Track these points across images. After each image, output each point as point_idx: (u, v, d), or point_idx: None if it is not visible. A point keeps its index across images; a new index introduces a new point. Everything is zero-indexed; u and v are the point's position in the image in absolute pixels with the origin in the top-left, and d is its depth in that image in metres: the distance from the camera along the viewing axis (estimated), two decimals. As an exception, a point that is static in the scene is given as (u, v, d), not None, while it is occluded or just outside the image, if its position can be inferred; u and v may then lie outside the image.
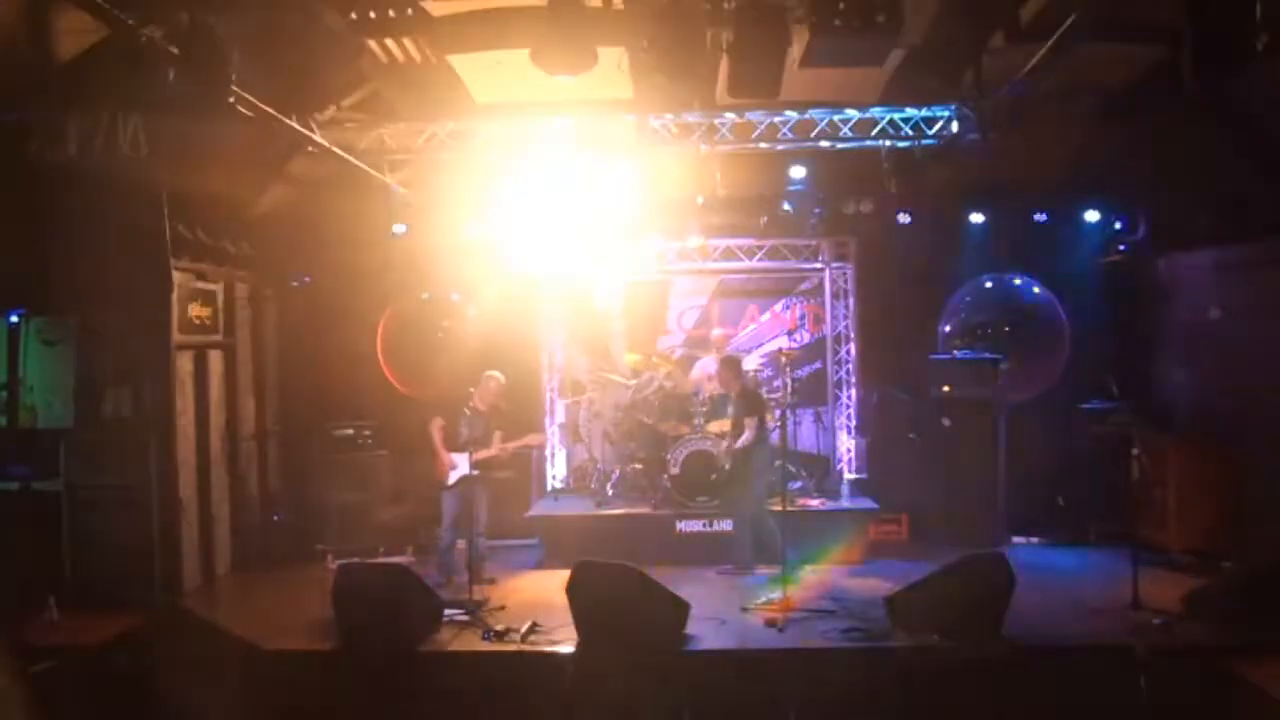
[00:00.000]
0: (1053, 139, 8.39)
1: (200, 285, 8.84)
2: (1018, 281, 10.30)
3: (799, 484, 9.74)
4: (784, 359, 9.82)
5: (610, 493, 9.86)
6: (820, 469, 10.38)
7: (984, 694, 6.02)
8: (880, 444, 10.37)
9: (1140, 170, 8.75)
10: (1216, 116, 7.36)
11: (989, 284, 10.38)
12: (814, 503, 9.41)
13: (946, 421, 9.63)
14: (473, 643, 6.78)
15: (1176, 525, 8.50)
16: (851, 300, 10.79)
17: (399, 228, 9.60)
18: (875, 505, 9.41)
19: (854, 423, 10.72)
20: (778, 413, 8.83)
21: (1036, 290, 10.24)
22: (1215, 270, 8.96)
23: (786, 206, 9.68)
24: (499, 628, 6.88)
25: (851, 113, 7.94)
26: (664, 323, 11.18)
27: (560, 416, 11.08)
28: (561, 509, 9.79)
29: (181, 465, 8.34)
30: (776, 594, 7.43)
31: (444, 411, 8.44)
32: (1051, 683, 6.09)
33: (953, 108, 7.70)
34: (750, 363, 10.55)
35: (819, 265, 10.87)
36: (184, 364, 8.55)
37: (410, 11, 6.17)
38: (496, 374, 8.52)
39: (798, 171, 9.17)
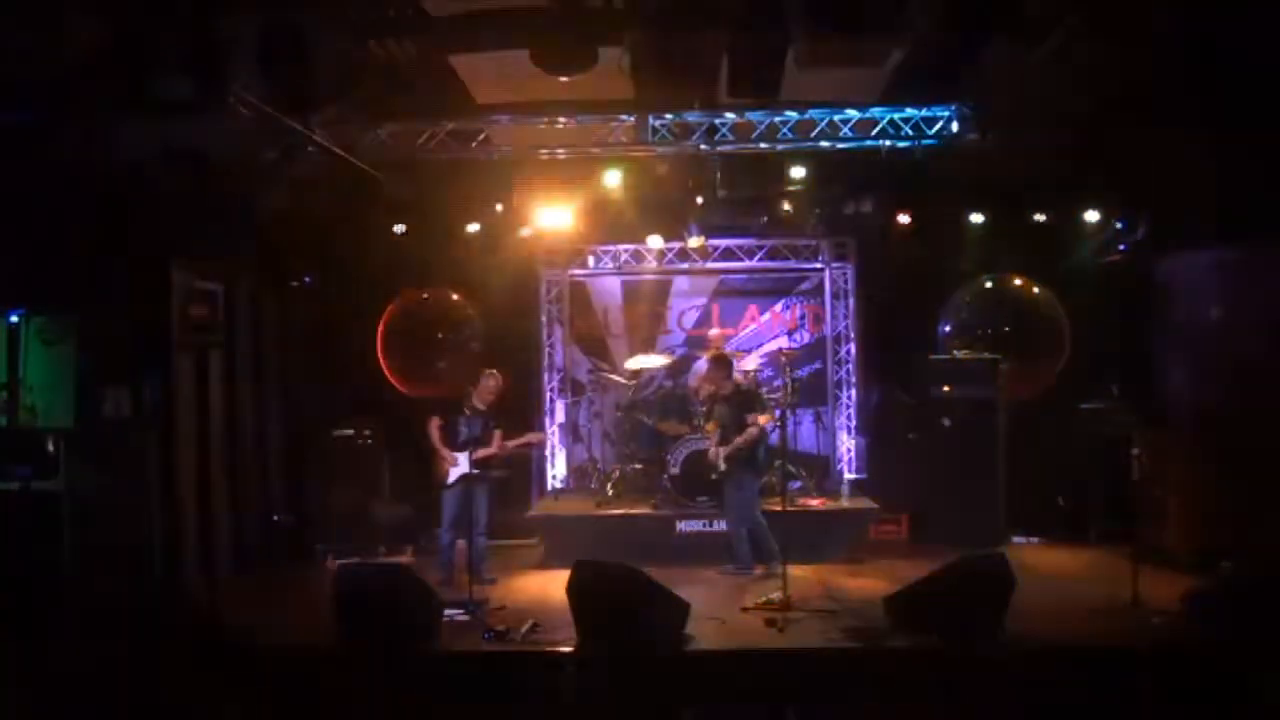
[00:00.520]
0: (1053, 139, 8.39)
1: (200, 285, 8.83)
2: (1018, 281, 10.31)
3: (799, 484, 9.74)
4: (784, 359, 9.83)
5: (610, 493, 9.86)
6: (819, 469, 10.39)
7: (984, 694, 6.02)
8: (880, 444, 10.37)
9: (1140, 170, 8.74)
10: (1216, 117, 7.35)
11: (989, 284, 10.38)
12: (814, 503, 9.41)
13: (946, 421, 9.63)
14: (473, 643, 6.77)
15: (1176, 525, 8.50)
16: (851, 300, 10.79)
17: (399, 228, 9.60)
18: (875, 505, 9.41)
19: (854, 423, 10.73)
20: (777, 413, 8.82)
21: (1036, 290, 10.24)
22: (1215, 270, 8.96)
23: (786, 206, 9.68)
24: (499, 628, 6.88)
25: (851, 113, 7.95)
26: (664, 323, 11.19)
27: (560, 416, 11.09)
28: (561, 509, 9.79)
29: (181, 465, 8.34)
30: (776, 594, 7.43)
31: (444, 411, 8.44)
32: (1051, 683, 6.09)
33: (953, 108, 7.72)
34: (750, 363, 10.57)
35: (819, 265, 10.88)
36: (184, 364, 8.54)
37: (410, 11, 6.18)
38: (494, 373, 8.52)
39: (798, 171, 9.16)
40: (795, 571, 8.00)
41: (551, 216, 9.48)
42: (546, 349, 11.09)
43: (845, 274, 10.82)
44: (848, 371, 10.80)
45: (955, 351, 9.91)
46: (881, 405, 10.51)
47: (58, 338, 8.19)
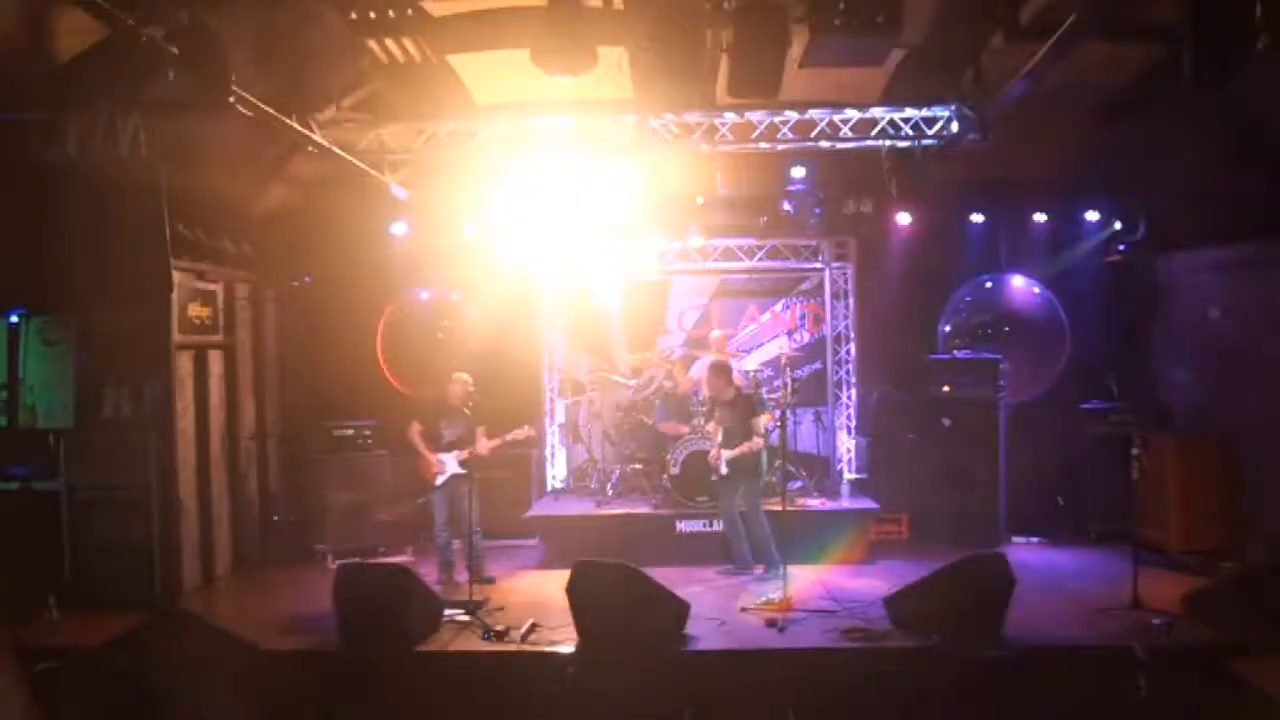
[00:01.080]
0: (1053, 139, 8.39)
1: (200, 285, 8.85)
2: (1018, 281, 10.31)
3: (799, 484, 9.74)
4: (784, 359, 9.84)
5: (610, 493, 9.87)
6: (819, 469, 10.38)
7: (984, 694, 6.02)
8: (880, 444, 10.36)
9: (1140, 170, 8.74)
10: (1216, 116, 7.35)
11: (989, 284, 10.39)
12: (814, 503, 9.41)
13: (946, 421, 9.63)
14: (473, 643, 6.77)
15: (1176, 525, 8.50)
16: (851, 300, 10.79)
17: (399, 228, 9.61)
18: (875, 505, 9.41)
19: (854, 423, 10.73)
20: (777, 413, 8.82)
21: (1036, 290, 10.25)
22: (1215, 270, 8.97)
23: (786, 206, 9.67)
24: (499, 628, 6.88)
25: (851, 113, 7.94)
26: (664, 323, 11.19)
27: (560, 416, 11.09)
28: (561, 509, 9.79)
29: (181, 465, 8.34)
30: (776, 594, 7.43)
31: (424, 415, 8.45)
32: (1051, 683, 6.09)
33: (953, 108, 7.70)
34: (750, 363, 10.58)
35: (819, 265, 10.88)
36: (184, 364, 8.54)
37: (410, 11, 6.18)
38: (462, 377, 8.51)
39: (798, 171, 9.17)
40: (795, 571, 8.01)
41: (550, 215, 9.48)
42: (546, 349, 11.09)
43: (845, 274, 10.82)
44: (848, 371, 10.80)
45: (955, 351, 9.91)
46: (881, 405, 10.51)
47: (58, 338, 8.19)
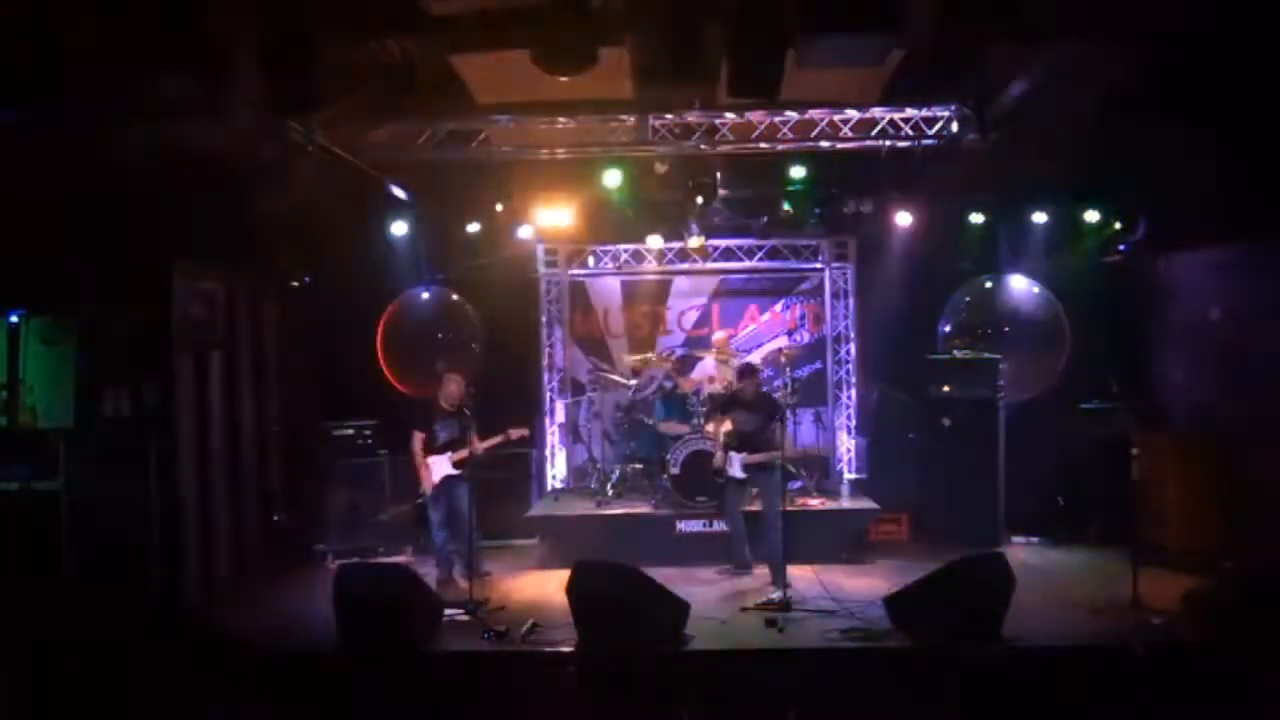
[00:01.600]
0: (1053, 139, 8.39)
1: (200, 285, 8.84)
2: (1018, 281, 10.31)
3: (799, 484, 9.74)
4: (784, 359, 9.84)
5: (610, 493, 9.86)
6: (819, 469, 10.38)
7: (984, 694, 6.02)
8: (880, 444, 10.37)
9: (1140, 170, 8.74)
10: (1216, 117, 7.35)
11: (989, 284, 10.39)
12: (814, 503, 9.41)
13: (946, 421, 9.63)
14: (473, 643, 6.78)
15: (1176, 525, 8.49)
16: (851, 300, 10.79)
17: (399, 228, 9.60)
18: (875, 505, 9.41)
19: (854, 423, 10.73)
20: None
21: (1036, 290, 10.25)
22: (1215, 270, 8.96)
23: (786, 206, 9.68)
24: (499, 628, 6.89)
25: (851, 113, 7.95)
26: (664, 323, 11.20)
27: (560, 416, 11.09)
28: (561, 509, 9.79)
29: (181, 465, 8.33)
30: (776, 594, 7.43)
31: (426, 424, 8.43)
32: (1052, 683, 6.09)
33: (953, 108, 7.71)
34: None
35: (819, 265, 10.88)
36: (184, 364, 8.54)
37: (410, 11, 6.17)
38: (455, 376, 8.50)
39: (798, 171, 9.17)
40: (795, 571, 8.03)
41: (551, 216, 9.50)
42: (546, 349, 11.09)
43: (845, 274, 10.82)
44: (848, 371, 10.80)
45: (955, 351, 9.91)
46: (881, 405, 10.51)
47: (58, 338, 8.19)
